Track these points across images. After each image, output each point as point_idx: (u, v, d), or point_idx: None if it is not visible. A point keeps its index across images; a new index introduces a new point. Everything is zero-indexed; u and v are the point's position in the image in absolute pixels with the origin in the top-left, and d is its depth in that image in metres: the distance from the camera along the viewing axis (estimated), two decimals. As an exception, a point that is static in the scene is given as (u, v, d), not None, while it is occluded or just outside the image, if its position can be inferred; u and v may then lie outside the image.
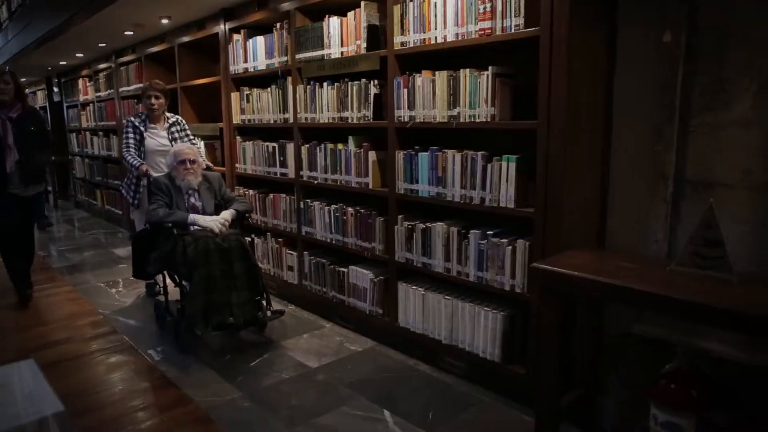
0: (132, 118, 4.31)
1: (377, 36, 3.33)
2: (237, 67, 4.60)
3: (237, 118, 4.70)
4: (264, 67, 4.29)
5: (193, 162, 3.74)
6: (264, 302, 3.59)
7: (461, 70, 2.78)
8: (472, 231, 2.85)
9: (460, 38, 2.78)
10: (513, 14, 2.55)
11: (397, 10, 3.07)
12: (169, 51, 5.65)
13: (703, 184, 2.31)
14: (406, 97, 3.08)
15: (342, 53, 3.51)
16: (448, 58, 3.08)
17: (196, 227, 3.55)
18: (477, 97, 2.72)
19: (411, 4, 2.98)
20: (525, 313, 2.74)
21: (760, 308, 1.74)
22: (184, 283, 3.48)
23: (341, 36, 3.50)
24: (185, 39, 5.31)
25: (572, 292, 2.23)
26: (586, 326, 2.63)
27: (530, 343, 2.69)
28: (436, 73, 2.91)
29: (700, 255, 2.01)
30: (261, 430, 2.58)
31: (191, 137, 4.53)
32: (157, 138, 4.33)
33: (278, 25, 4.04)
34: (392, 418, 2.63)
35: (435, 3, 2.86)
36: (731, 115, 2.21)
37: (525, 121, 2.57)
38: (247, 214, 3.87)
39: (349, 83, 3.48)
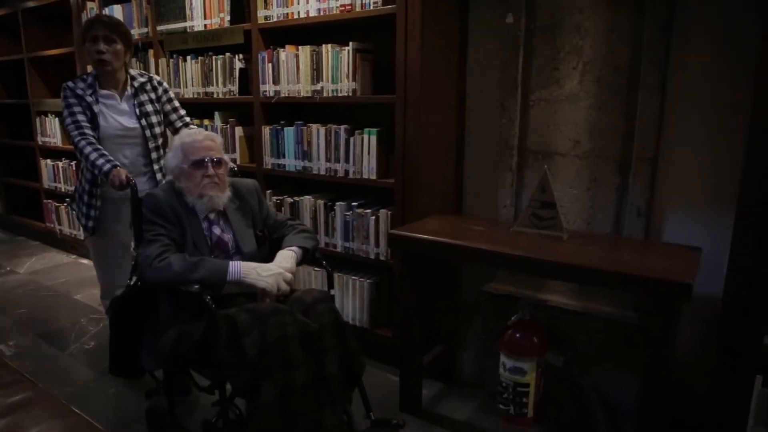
0: (71, 84, 2.55)
1: (241, 9, 3.28)
2: (92, 37, 4.29)
3: (94, 93, 4.39)
4: (122, 39, 4.03)
5: (218, 164, 2.13)
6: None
7: (323, 46, 2.83)
8: (337, 203, 2.94)
9: (321, 13, 2.83)
10: (371, -9, 2.64)
11: (259, -17, 3.04)
12: (11, 17, 5.12)
13: (543, 153, 2.56)
14: (270, 71, 3.08)
15: (205, 25, 3.42)
16: (312, 33, 3.11)
17: (244, 282, 2.00)
18: (339, 72, 2.79)
19: (273, -23, 2.97)
20: (390, 279, 2.89)
21: (586, 260, 2.00)
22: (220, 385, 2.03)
23: (204, 7, 3.41)
24: (31, 4, 4.85)
25: (427, 255, 2.40)
26: (446, 288, 2.84)
27: (396, 308, 2.84)
28: (300, 48, 2.94)
29: (537, 216, 2.24)
30: None
31: (181, 112, 2.80)
32: (115, 115, 2.58)
33: (136, -7, 3.82)
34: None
35: (297, -23, 2.88)
36: (563, 91, 2.47)
37: (384, 95, 2.69)
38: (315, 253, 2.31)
39: (214, 57, 3.40)
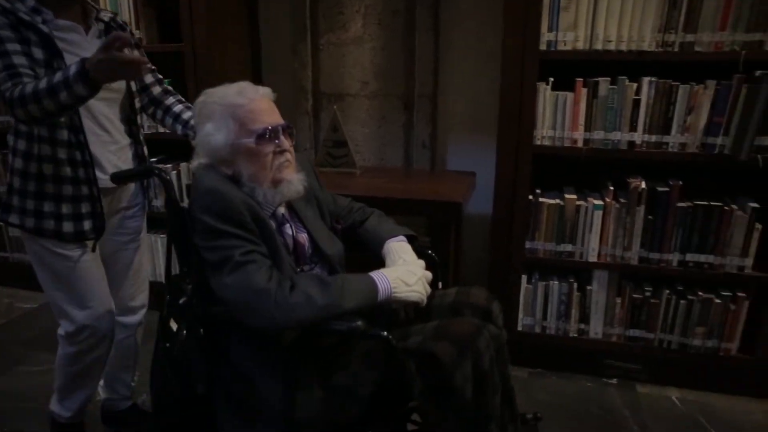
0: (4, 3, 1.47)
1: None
2: None
3: None
4: None
5: (290, 133, 1.48)
6: None
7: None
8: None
9: (89, -46, 2.58)
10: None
11: None
12: None
13: (335, 95, 2.68)
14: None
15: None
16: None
17: (395, 299, 1.39)
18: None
19: None
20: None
21: (379, 191, 2.18)
22: None
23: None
24: None
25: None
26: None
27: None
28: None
29: (331, 155, 2.37)
30: None
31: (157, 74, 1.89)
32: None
33: None
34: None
35: None
36: (349, 35, 2.58)
37: (171, 44, 2.57)
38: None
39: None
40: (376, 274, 1.37)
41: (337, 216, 1.67)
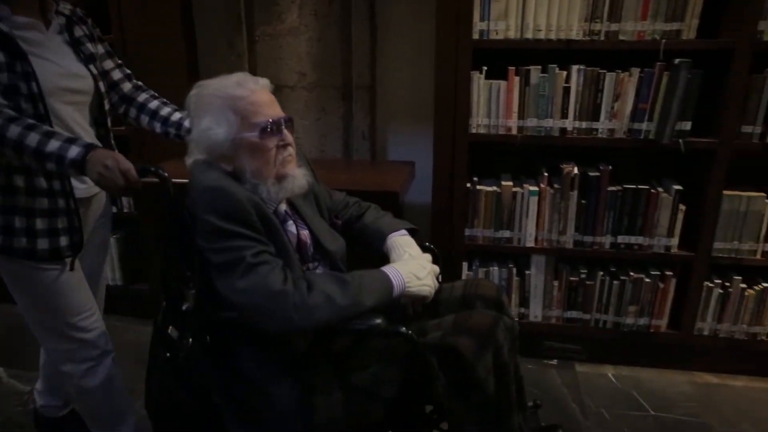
0: None
1: None
2: None
3: None
4: None
5: (291, 126, 1.40)
6: None
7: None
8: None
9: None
10: None
11: None
12: None
13: (273, 87, 2.63)
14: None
15: None
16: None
17: (408, 294, 1.37)
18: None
19: None
20: (137, 233, 2.77)
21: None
22: None
23: None
24: None
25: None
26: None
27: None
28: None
29: (270, 148, 2.33)
30: None
31: (126, 69, 1.74)
32: (50, 56, 1.43)
33: None
34: (6, 373, 2.42)
35: None
36: (284, 25, 2.54)
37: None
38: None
39: None
40: (388, 270, 1.34)
41: (334, 211, 1.62)
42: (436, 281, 1.39)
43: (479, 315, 1.40)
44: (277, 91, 2.60)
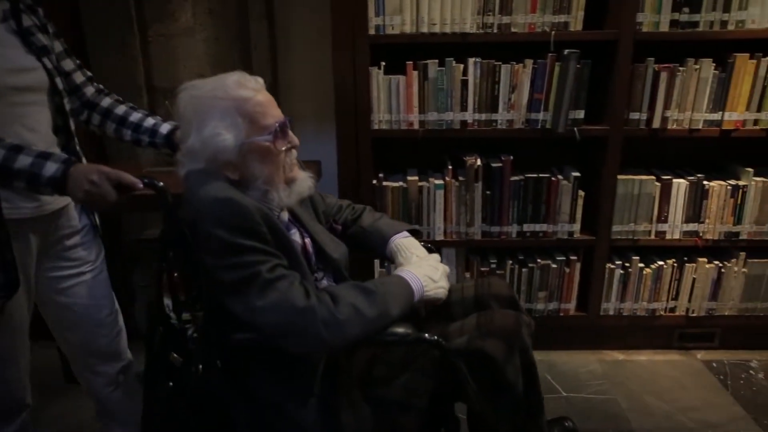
0: None
1: None
2: None
3: None
4: None
5: (293, 127, 1.31)
6: None
7: None
8: None
9: None
10: None
11: None
12: None
13: (171, 90, 2.50)
14: None
15: None
16: None
17: (426, 298, 1.34)
18: None
19: None
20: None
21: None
22: None
23: None
24: None
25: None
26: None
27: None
28: None
29: (169, 153, 2.22)
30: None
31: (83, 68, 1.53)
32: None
33: None
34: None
35: None
36: (179, 25, 2.43)
37: None
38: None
39: None
40: (406, 274, 1.28)
41: (329, 215, 1.54)
42: (448, 282, 1.36)
43: (501, 315, 1.34)
44: (177, 94, 2.49)
